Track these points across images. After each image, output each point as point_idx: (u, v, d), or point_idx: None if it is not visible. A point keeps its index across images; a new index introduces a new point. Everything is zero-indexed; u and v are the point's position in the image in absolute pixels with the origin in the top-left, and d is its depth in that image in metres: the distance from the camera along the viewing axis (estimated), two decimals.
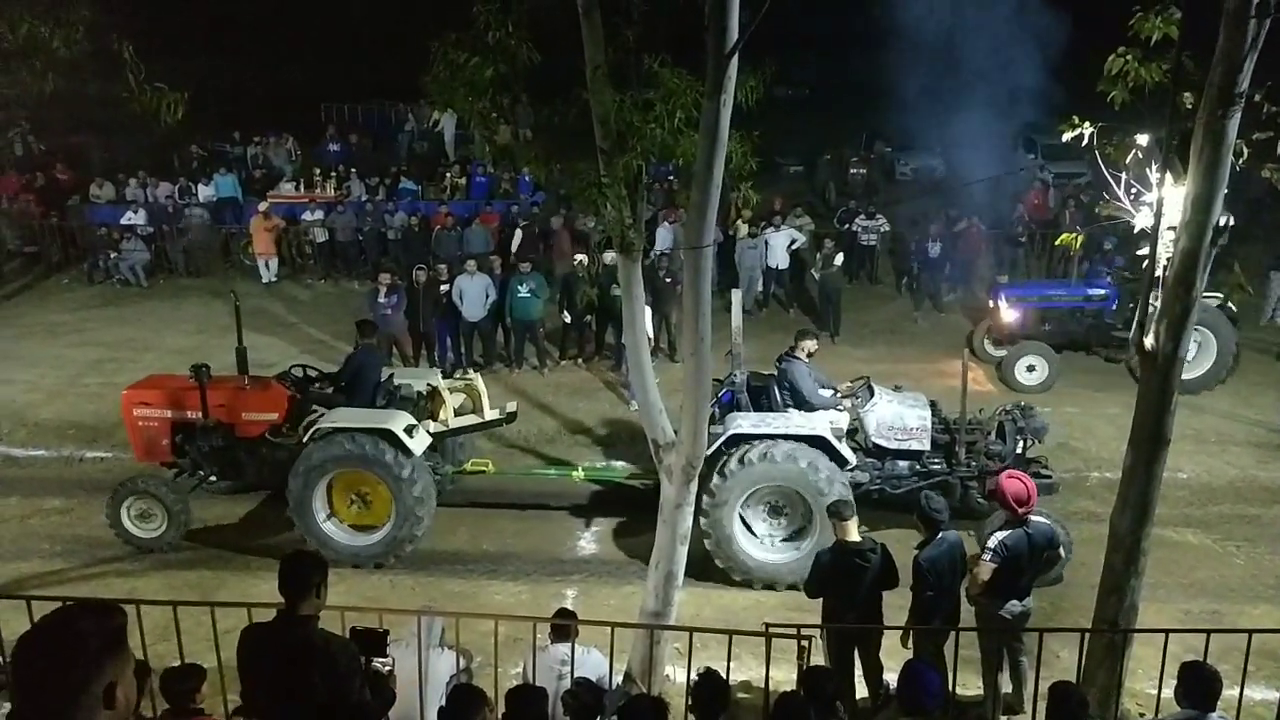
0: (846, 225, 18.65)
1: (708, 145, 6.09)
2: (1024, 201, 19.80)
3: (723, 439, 9.57)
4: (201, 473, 10.71)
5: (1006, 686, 7.45)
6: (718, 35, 5.75)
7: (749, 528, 9.89)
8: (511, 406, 11.68)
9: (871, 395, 10.40)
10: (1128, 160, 6.55)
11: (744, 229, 17.03)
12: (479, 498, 11.21)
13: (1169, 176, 6.09)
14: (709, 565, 9.65)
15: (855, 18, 29.73)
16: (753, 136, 6.88)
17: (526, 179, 19.72)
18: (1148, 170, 6.46)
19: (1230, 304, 12.97)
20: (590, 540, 10.87)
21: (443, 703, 4.82)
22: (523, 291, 14.48)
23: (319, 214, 19.60)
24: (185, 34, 25.51)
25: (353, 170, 21.90)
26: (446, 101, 6.97)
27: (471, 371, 12.15)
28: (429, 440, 10.26)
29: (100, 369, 15.04)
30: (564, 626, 6.35)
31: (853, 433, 10.28)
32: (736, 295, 10.59)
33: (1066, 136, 6.77)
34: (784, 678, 6.56)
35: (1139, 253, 6.69)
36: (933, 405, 10.49)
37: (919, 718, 5.25)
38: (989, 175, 18.91)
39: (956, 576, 7.23)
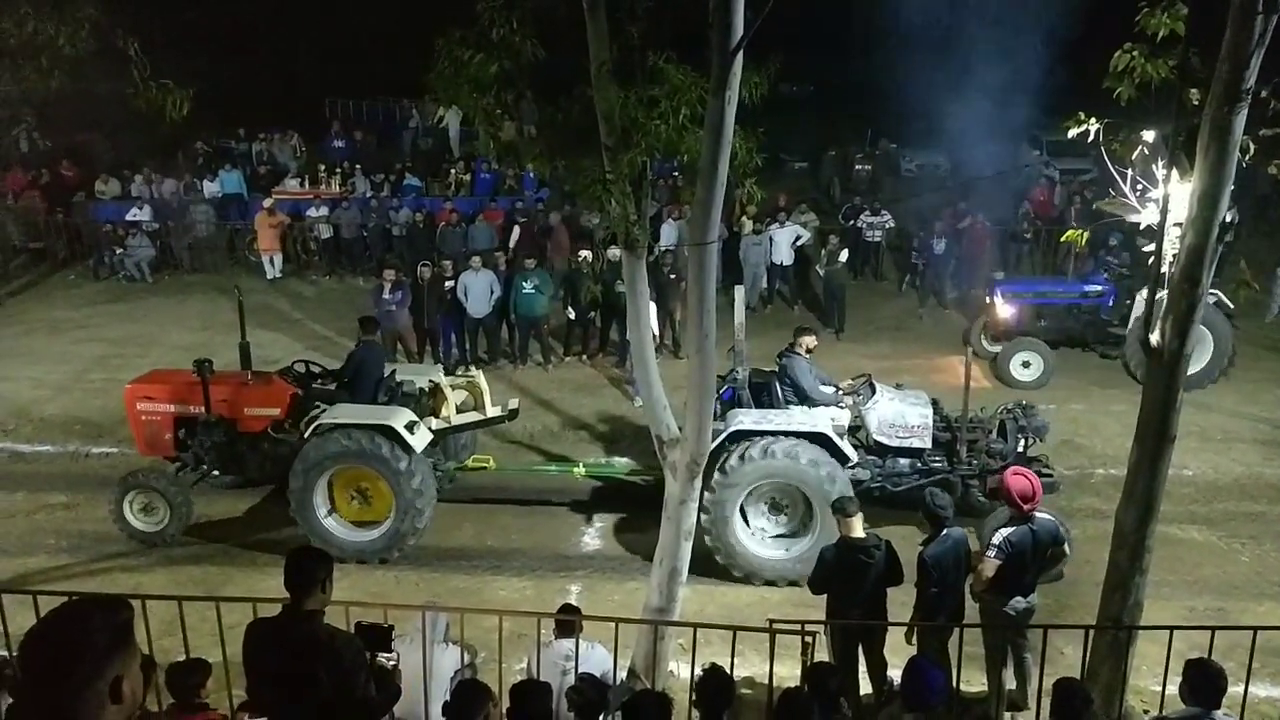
0: (851, 222, 18.65)
1: (712, 142, 6.09)
2: (1029, 198, 19.77)
3: (724, 435, 9.57)
4: (204, 467, 10.74)
5: (1011, 683, 7.44)
6: (722, 32, 5.74)
7: (748, 524, 9.89)
8: (513, 403, 11.69)
9: (873, 393, 10.40)
10: (1134, 156, 6.54)
11: (749, 225, 17.01)
12: (480, 494, 11.22)
13: (1175, 173, 6.08)
14: (713, 561, 9.65)
15: (859, 14, 29.72)
16: (757, 133, 6.86)
17: (531, 175, 19.73)
18: (1154, 166, 6.45)
19: (1226, 300, 12.92)
20: (594, 536, 10.88)
21: (447, 698, 4.82)
22: (527, 288, 14.48)
23: (324, 210, 19.64)
24: (190, 31, 25.50)
25: (357, 167, 21.92)
26: (451, 98, 6.98)
27: (473, 368, 12.16)
28: (430, 437, 10.27)
29: (105, 365, 15.07)
30: (568, 622, 6.36)
31: (855, 430, 10.29)
32: (739, 291, 10.59)
33: (1072, 132, 6.76)
34: (788, 674, 6.55)
35: (1145, 249, 6.68)
36: (934, 403, 10.49)
37: (923, 714, 5.25)
38: (994, 172, 18.89)
39: (961, 573, 7.23)
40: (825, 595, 7.42)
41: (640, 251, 7.03)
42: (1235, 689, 5.57)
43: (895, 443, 10.17)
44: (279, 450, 10.45)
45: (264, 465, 10.71)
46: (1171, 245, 6.25)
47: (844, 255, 16.33)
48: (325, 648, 4.19)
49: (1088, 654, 6.79)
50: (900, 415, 10.20)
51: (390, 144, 27.19)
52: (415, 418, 10.09)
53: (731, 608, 9.23)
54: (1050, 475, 9.92)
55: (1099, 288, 14.78)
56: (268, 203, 19.11)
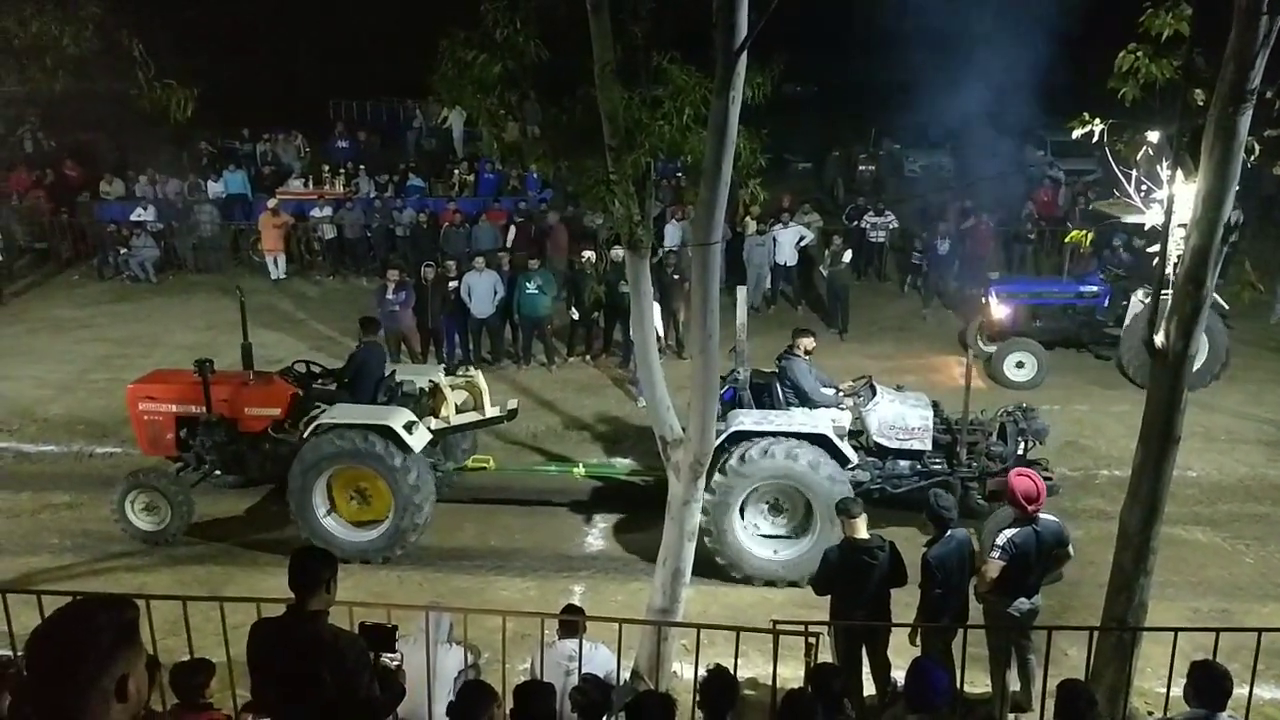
0: (855, 222, 18.62)
1: (716, 142, 6.08)
2: (1034, 198, 19.74)
3: (725, 435, 9.56)
4: (205, 467, 10.76)
5: (1015, 684, 7.43)
6: (726, 32, 5.74)
7: (745, 525, 9.89)
8: (512, 404, 11.70)
9: (873, 394, 10.40)
10: (1138, 157, 6.53)
11: (752, 226, 17.00)
12: (480, 494, 11.22)
13: (1180, 174, 6.07)
14: (716, 562, 9.64)
15: (863, 14, 29.70)
16: (761, 133, 6.87)
17: (534, 176, 19.73)
18: (1158, 167, 6.43)
19: (1221, 301, 12.88)
20: (597, 536, 10.88)
21: (451, 698, 4.83)
22: (530, 288, 14.49)
23: (327, 211, 19.66)
24: (194, 31, 25.52)
25: (361, 167, 21.94)
26: (454, 99, 6.98)
27: (473, 369, 12.17)
28: (429, 436, 10.29)
29: (109, 364, 15.09)
30: (572, 623, 6.36)
31: (856, 433, 10.28)
32: (741, 292, 10.59)
33: (1077, 133, 6.75)
34: (791, 675, 6.55)
35: (1149, 250, 6.67)
36: (935, 405, 10.49)
37: (927, 715, 5.24)
38: (998, 172, 18.86)
39: (965, 574, 7.22)
40: (829, 596, 7.42)
41: (644, 252, 7.03)
42: (1240, 691, 5.55)
43: (895, 444, 10.16)
44: (279, 450, 10.46)
45: (265, 465, 10.73)
46: (1176, 246, 6.24)
47: (847, 256, 16.32)
48: (329, 648, 4.19)
49: (1092, 655, 6.77)
50: (900, 417, 10.19)
51: (394, 144, 27.20)
52: (414, 418, 10.10)
53: (735, 608, 9.22)
54: (1050, 478, 9.89)
55: (1094, 288, 14.76)
56: (272, 203, 19.14)
